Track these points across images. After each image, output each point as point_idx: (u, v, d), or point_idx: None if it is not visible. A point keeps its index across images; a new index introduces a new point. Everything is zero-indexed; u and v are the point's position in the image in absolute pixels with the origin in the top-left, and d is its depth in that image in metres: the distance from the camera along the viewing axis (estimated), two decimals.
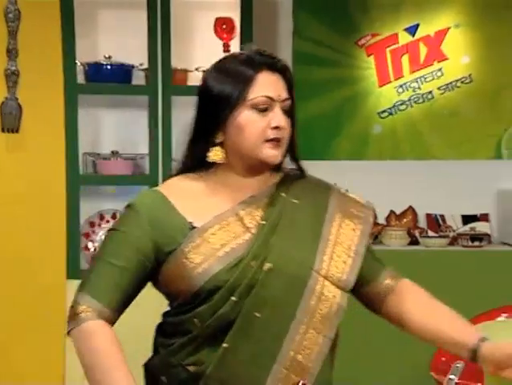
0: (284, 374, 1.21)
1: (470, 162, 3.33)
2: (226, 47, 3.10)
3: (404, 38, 3.31)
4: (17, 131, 2.85)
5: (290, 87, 1.26)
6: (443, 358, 2.43)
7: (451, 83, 3.31)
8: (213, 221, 1.23)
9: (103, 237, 1.35)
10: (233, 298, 1.20)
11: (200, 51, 3.17)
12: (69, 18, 2.82)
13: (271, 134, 1.22)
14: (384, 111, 3.31)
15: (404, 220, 3.32)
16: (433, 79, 3.31)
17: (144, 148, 3.00)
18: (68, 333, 1.21)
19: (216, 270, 1.20)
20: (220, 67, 1.26)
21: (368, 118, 3.32)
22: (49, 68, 2.85)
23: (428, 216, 3.34)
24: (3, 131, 2.86)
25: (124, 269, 1.21)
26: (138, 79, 3.02)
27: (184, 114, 3.24)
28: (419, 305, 1.35)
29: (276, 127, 1.22)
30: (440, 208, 3.32)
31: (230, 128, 1.23)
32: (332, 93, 3.32)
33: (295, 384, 1.20)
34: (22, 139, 2.88)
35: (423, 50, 3.31)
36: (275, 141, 1.22)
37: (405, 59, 3.31)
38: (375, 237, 3.21)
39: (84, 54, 2.92)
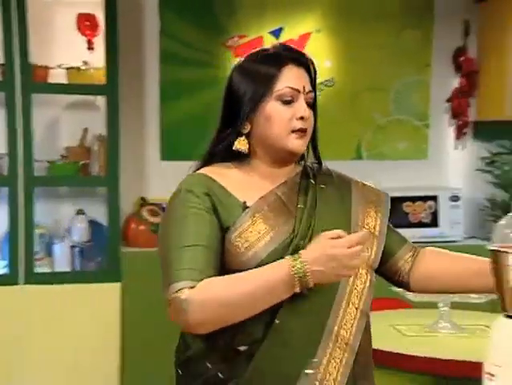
0: (330, 347, 1.27)
1: (332, 162, 3.45)
2: (90, 44, 3.01)
3: (269, 41, 3.37)
4: None
5: (314, 81, 1.33)
6: None
7: None
8: (261, 202, 1.28)
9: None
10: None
11: (63, 48, 3.06)
12: None
13: (297, 124, 1.29)
14: None
15: None
16: None
17: (2, 148, 2.84)
18: (183, 319, 1.18)
19: (271, 248, 1.25)
20: (249, 62, 1.34)
21: None
22: None
23: None
24: None
25: (202, 245, 1.22)
26: None
27: (47, 112, 3.14)
28: (443, 257, 1.41)
29: (301, 118, 1.29)
30: None
31: (258, 119, 1.30)
32: (201, 94, 3.31)
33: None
34: None
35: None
36: (301, 132, 1.29)
37: None
38: None
39: None
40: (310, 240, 1.27)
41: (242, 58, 1.37)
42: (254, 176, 1.33)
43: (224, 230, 1.26)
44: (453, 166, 3.53)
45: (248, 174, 1.33)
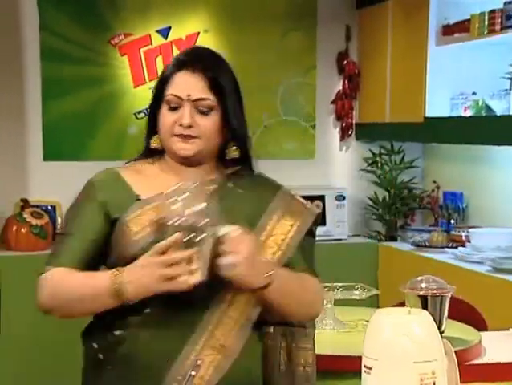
0: (200, 345, 1.26)
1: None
2: None
3: (157, 40, 3.34)
4: None
5: (215, 87, 1.32)
6: None
7: None
8: (157, 197, 1.29)
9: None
10: None
11: None
12: None
13: (178, 130, 1.32)
14: (140, 112, 3.30)
15: None
16: None
17: None
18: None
19: (148, 241, 1.25)
20: (166, 65, 1.38)
21: (124, 118, 3.29)
22: None
23: None
24: None
25: (80, 236, 1.30)
26: None
27: None
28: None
29: (181, 124, 1.31)
30: None
31: (158, 121, 1.35)
32: (86, 92, 3.22)
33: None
34: None
35: (176, 52, 3.37)
36: (182, 137, 1.32)
37: (159, 61, 3.34)
38: None
39: None
40: None
41: None
42: (169, 173, 1.35)
43: (111, 219, 1.30)
44: (338, 166, 3.65)
45: (163, 170, 1.37)
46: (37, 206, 3.07)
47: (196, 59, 1.33)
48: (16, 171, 3.11)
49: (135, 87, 3.30)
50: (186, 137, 1.31)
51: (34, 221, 2.98)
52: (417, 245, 3.10)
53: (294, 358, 1.38)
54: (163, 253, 1.19)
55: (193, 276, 1.17)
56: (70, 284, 1.27)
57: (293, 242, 1.34)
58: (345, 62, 3.56)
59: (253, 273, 1.22)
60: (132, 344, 1.26)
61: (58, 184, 3.14)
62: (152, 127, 1.36)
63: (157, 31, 3.34)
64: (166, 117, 1.32)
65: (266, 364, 1.35)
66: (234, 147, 1.37)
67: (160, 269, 1.18)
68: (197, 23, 3.40)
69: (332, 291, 2.02)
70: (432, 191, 3.41)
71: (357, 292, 2.08)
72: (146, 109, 3.27)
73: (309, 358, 1.39)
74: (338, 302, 2.13)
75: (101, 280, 1.24)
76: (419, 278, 1.78)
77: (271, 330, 1.37)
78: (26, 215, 3.00)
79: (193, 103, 1.31)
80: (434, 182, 3.41)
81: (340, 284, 2.09)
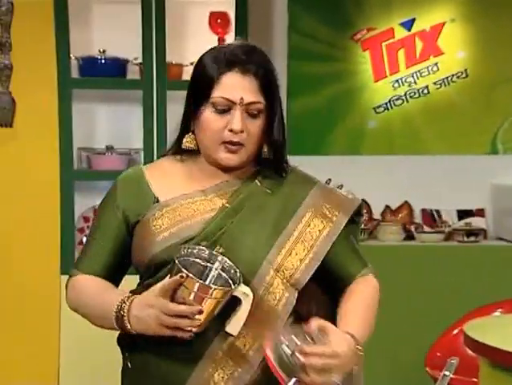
0: (219, 356, 1.19)
1: (466, 157, 3.32)
2: (221, 42, 3.09)
3: (400, 33, 3.29)
4: (10, 125, 2.83)
5: (266, 89, 1.24)
6: (438, 354, 2.43)
7: (447, 77, 3.30)
8: (178, 198, 1.25)
9: None
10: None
11: (195, 46, 3.16)
12: (62, 11, 2.81)
13: (228, 136, 1.22)
14: (379, 106, 3.30)
15: (400, 215, 3.31)
16: (429, 74, 3.30)
17: (138, 143, 2.99)
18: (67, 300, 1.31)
19: (166, 244, 1.22)
20: (201, 59, 1.27)
21: (363, 113, 3.31)
22: (42, 62, 2.84)
23: (424, 211, 3.34)
24: None
25: (102, 242, 1.28)
26: (132, 73, 3.01)
27: (179, 108, 3.26)
28: (343, 307, 1.27)
29: (231, 130, 1.22)
30: (436, 204, 3.31)
31: (197, 122, 1.25)
32: (327, 88, 3.30)
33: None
34: (16, 133, 2.87)
35: (419, 45, 3.30)
36: (231, 144, 1.23)
37: (401, 54, 3.29)
38: (370, 233, 3.20)
39: (78, 48, 2.90)
40: (217, 241, 1.21)
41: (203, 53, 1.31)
42: (196, 173, 1.29)
43: (132, 222, 1.27)
44: None
45: (190, 170, 1.29)
46: None
47: (247, 58, 1.22)
48: None
49: (375, 81, 3.30)
50: (235, 145, 1.22)
51: None
52: None
53: None
54: (174, 290, 1.11)
55: (194, 328, 1.12)
56: (86, 299, 1.26)
57: (322, 250, 1.24)
58: None
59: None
60: (157, 353, 1.20)
61: None
62: (187, 126, 1.27)
63: (401, 24, 3.29)
64: (213, 121, 1.22)
65: None
66: (267, 149, 1.26)
67: (163, 316, 1.12)
68: (444, 12, 3.28)
69: None
70: None
71: None
72: (385, 103, 3.32)
73: None
74: None
75: (109, 304, 1.19)
76: None
77: None
78: None
79: (245, 107, 1.22)
80: None
81: None
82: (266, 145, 1.27)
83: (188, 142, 1.27)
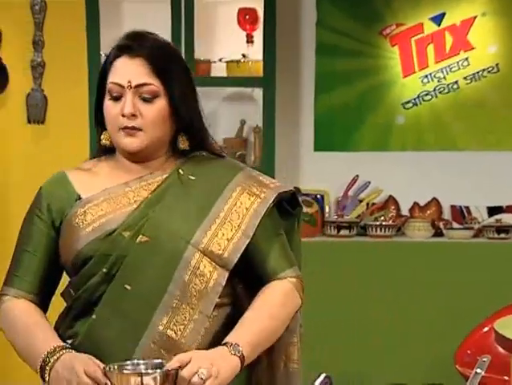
0: (152, 348, 1.18)
1: (496, 153, 3.29)
2: (249, 38, 3.11)
3: (430, 28, 3.27)
4: (42, 122, 2.89)
5: (160, 72, 1.22)
6: (468, 351, 2.42)
7: (477, 72, 3.26)
8: (99, 194, 1.25)
9: None
10: (103, 270, 1.20)
11: (223, 42, 3.19)
12: (94, 9, 2.86)
13: (123, 122, 1.22)
14: (408, 102, 3.28)
15: (428, 211, 3.29)
16: (459, 69, 3.27)
17: None
18: None
19: (90, 239, 1.21)
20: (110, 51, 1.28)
21: (392, 108, 3.29)
22: (74, 60, 2.88)
23: (453, 207, 3.31)
24: (29, 122, 2.90)
25: (35, 253, 1.26)
26: None
27: (207, 105, 3.28)
28: (244, 314, 1.25)
29: (123, 115, 1.21)
30: (465, 200, 3.29)
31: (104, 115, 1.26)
32: (355, 84, 3.30)
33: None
34: (47, 130, 2.92)
35: (448, 40, 3.27)
36: (128, 129, 1.22)
37: (430, 49, 3.27)
38: (399, 229, 3.19)
39: (109, 46, 2.92)
40: (140, 233, 1.20)
41: None
42: (119, 170, 1.28)
43: (57, 225, 1.26)
44: None
45: (113, 167, 1.29)
46: (307, 195, 3.22)
47: (137, 43, 1.23)
48: (290, 161, 3.29)
49: (404, 76, 3.28)
50: (131, 129, 1.22)
51: (304, 209, 3.15)
52: None
53: (277, 354, 1.27)
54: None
55: None
56: (14, 336, 1.23)
57: (250, 228, 1.22)
58: None
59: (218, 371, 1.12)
60: (87, 351, 1.19)
61: (327, 173, 3.27)
62: (100, 123, 1.27)
63: (430, 19, 3.26)
64: (109, 108, 1.23)
65: None
66: (183, 138, 1.26)
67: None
68: (475, 6, 3.24)
69: None
70: None
71: None
72: (414, 99, 3.30)
73: (293, 354, 1.29)
74: None
75: (36, 350, 1.18)
76: None
77: None
78: None
79: (135, 90, 1.21)
80: None
81: None
82: (182, 132, 1.26)
83: (104, 139, 1.27)
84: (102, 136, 1.27)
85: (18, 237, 1.30)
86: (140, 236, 1.21)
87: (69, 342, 1.22)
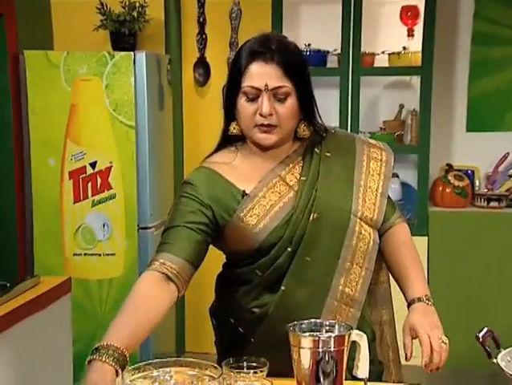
0: (336, 305, 1.33)
1: None
2: (410, 32, 3.40)
3: None
4: None
5: (291, 74, 1.31)
6: None
7: None
8: (260, 186, 1.34)
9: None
10: (288, 249, 1.32)
11: (386, 36, 3.44)
12: (278, 13, 3.26)
13: (259, 120, 1.32)
14: None
15: None
16: None
17: (335, 122, 3.36)
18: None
19: (271, 228, 1.32)
20: (236, 53, 1.38)
21: None
22: None
23: None
24: None
25: (192, 227, 1.30)
26: (332, 62, 3.42)
27: (370, 92, 3.59)
28: (394, 249, 1.42)
29: (261, 114, 1.31)
30: None
31: (236, 111, 1.36)
32: (508, 69, 3.41)
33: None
34: None
35: None
36: (265, 126, 1.32)
37: None
38: None
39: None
40: (311, 212, 1.31)
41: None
42: (255, 158, 1.37)
43: (224, 219, 1.32)
44: None
45: (249, 156, 1.37)
46: (459, 170, 3.41)
47: (269, 48, 1.30)
48: (443, 140, 3.48)
49: None
50: (267, 126, 1.30)
51: (456, 183, 3.33)
52: None
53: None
54: None
55: None
56: (119, 312, 1.20)
57: (384, 192, 1.38)
58: None
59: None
60: (272, 321, 1.31)
61: (478, 152, 3.44)
62: (229, 114, 1.36)
63: None
64: (245, 108, 1.31)
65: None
66: (304, 126, 1.37)
67: None
68: None
69: None
70: None
71: None
72: None
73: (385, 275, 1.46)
74: None
75: (108, 333, 1.16)
76: None
77: None
78: (450, 177, 3.37)
79: (271, 92, 1.30)
80: None
81: None
82: (302, 120, 1.36)
83: (234, 128, 1.37)
84: (231, 127, 1.37)
85: (170, 217, 1.33)
86: (312, 214, 1.33)
87: (256, 310, 1.34)
